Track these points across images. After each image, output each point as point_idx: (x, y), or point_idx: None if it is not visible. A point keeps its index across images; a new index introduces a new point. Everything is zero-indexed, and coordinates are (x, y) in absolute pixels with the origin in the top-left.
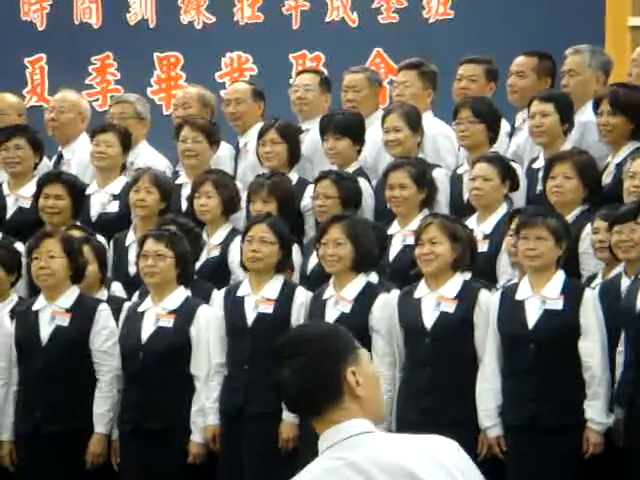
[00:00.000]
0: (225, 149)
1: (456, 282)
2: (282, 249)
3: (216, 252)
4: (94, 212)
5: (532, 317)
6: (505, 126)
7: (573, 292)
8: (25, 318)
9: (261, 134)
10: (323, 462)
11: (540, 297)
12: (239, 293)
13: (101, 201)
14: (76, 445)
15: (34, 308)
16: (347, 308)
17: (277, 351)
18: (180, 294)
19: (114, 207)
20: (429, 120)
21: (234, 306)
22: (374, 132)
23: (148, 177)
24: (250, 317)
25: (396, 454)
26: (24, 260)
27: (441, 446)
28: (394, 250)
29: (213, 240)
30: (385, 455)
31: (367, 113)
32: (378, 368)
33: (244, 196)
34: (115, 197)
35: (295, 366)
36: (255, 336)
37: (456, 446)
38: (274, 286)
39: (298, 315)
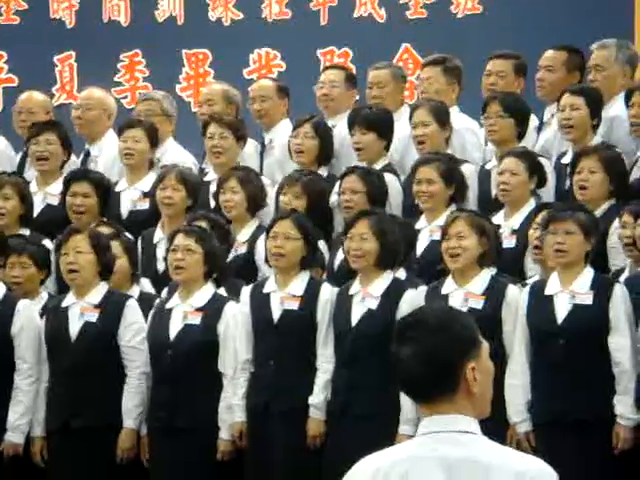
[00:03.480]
0: (251, 145)
1: (483, 278)
2: (307, 245)
3: (243, 249)
4: (124, 209)
5: (561, 312)
6: (533, 121)
7: (602, 287)
8: (54, 315)
9: (295, 127)
10: (415, 448)
11: (569, 292)
12: (265, 290)
13: (131, 198)
14: (106, 440)
15: (63, 305)
16: (374, 304)
17: (401, 328)
18: (208, 291)
19: (145, 204)
20: (455, 115)
21: (260, 303)
22: (400, 128)
23: (174, 174)
24: (276, 314)
25: (487, 462)
26: (53, 257)
27: (538, 472)
28: (421, 246)
29: (240, 237)
30: (476, 460)
31: (392, 109)
32: None
33: (271, 192)
34: (145, 194)
35: (416, 350)
36: (281, 332)
37: (555, 477)
38: (299, 282)
39: (324, 311)
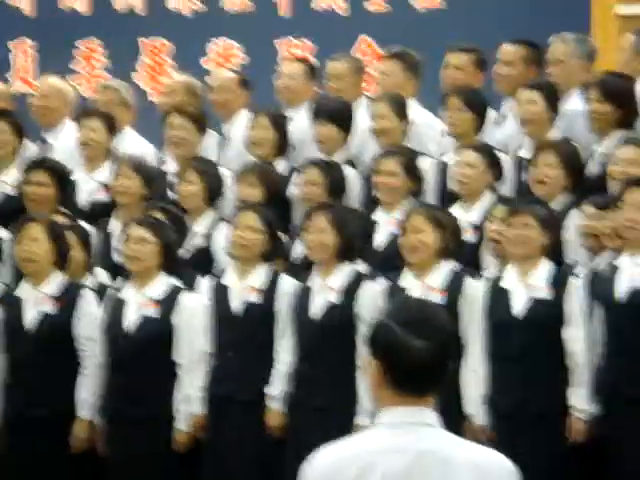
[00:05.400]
0: (210, 136)
1: (442, 271)
2: (269, 238)
3: (199, 240)
4: (82, 199)
5: (518, 305)
6: (492, 115)
7: (558, 281)
8: (10, 304)
9: (251, 119)
10: (377, 439)
11: (526, 286)
12: (225, 281)
13: (89, 188)
14: (61, 430)
15: (18, 294)
16: (333, 297)
17: (412, 319)
18: (163, 282)
19: (102, 194)
20: (413, 108)
21: (220, 294)
22: (357, 120)
23: (127, 164)
24: (235, 305)
25: (448, 454)
26: (7, 246)
27: (498, 465)
28: (379, 238)
29: (197, 228)
30: (437, 452)
31: (350, 101)
32: (366, 357)
33: (229, 183)
34: (103, 185)
35: (434, 341)
36: (241, 324)
37: (513, 472)
38: (259, 274)
39: (282, 303)
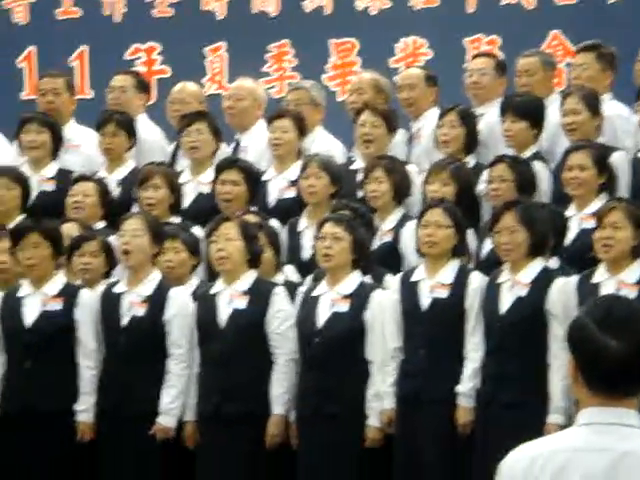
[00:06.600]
0: (399, 134)
1: (638, 267)
2: (457, 234)
3: (388, 237)
4: (272, 198)
5: None
6: None
7: None
8: (204, 301)
9: (440, 117)
10: (576, 438)
11: None
12: (414, 278)
13: (279, 187)
14: (255, 426)
15: (212, 292)
16: (524, 292)
17: (612, 317)
18: (355, 279)
19: (291, 193)
20: (608, 103)
21: (409, 291)
22: (549, 116)
23: (316, 163)
24: (425, 302)
25: None
26: (203, 245)
27: None
28: (571, 234)
29: (385, 225)
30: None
31: (541, 97)
32: (555, 353)
33: (417, 181)
34: (292, 183)
35: (632, 342)
36: (430, 320)
37: None
38: (449, 270)
39: (473, 299)
